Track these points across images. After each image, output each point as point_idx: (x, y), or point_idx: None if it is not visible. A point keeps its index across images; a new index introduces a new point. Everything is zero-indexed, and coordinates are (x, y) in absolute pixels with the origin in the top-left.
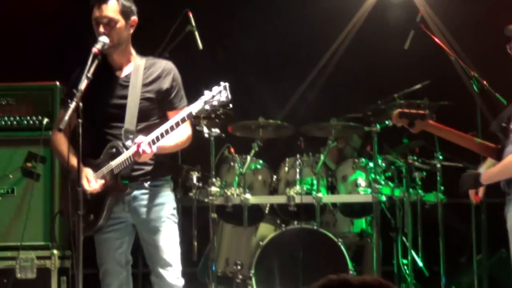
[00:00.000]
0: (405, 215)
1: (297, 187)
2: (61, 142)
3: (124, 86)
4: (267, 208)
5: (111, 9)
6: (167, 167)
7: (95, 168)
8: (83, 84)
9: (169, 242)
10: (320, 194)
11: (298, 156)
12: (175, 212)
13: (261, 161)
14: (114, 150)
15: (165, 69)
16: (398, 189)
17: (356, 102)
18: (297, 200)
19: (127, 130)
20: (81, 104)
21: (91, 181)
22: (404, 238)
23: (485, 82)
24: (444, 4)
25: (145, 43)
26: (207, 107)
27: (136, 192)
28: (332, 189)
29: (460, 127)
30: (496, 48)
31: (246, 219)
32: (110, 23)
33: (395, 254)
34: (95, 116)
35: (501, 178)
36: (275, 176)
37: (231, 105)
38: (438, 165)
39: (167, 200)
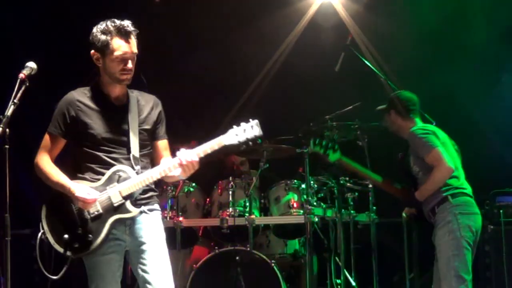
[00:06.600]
0: (338, 236)
1: (230, 209)
2: (48, 162)
3: (123, 114)
4: (201, 231)
5: (136, 44)
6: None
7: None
8: (9, 110)
9: (167, 265)
10: (253, 216)
11: (230, 178)
12: None
13: (194, 184)
14: (121, 174)
15: (155, 102)
16: (331, 209)
17: (288, 124)
18: (230, 222)
19: (135, 156)
20: (7, 129)
21: (91, 193)
22: (337, 258)
23: None
24: (374, 26)
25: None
26: (237, 140)
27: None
28: (265, 210)
29: (391, 147)
30: (426, 69)
31: (179, 242)
32: (134, 59)
33: (328, 274)
34: (94, 140)
35: (432, 191)
36: (208, 199)
37: (260, 141)
38: (370, 186)
39: (161, 225)
